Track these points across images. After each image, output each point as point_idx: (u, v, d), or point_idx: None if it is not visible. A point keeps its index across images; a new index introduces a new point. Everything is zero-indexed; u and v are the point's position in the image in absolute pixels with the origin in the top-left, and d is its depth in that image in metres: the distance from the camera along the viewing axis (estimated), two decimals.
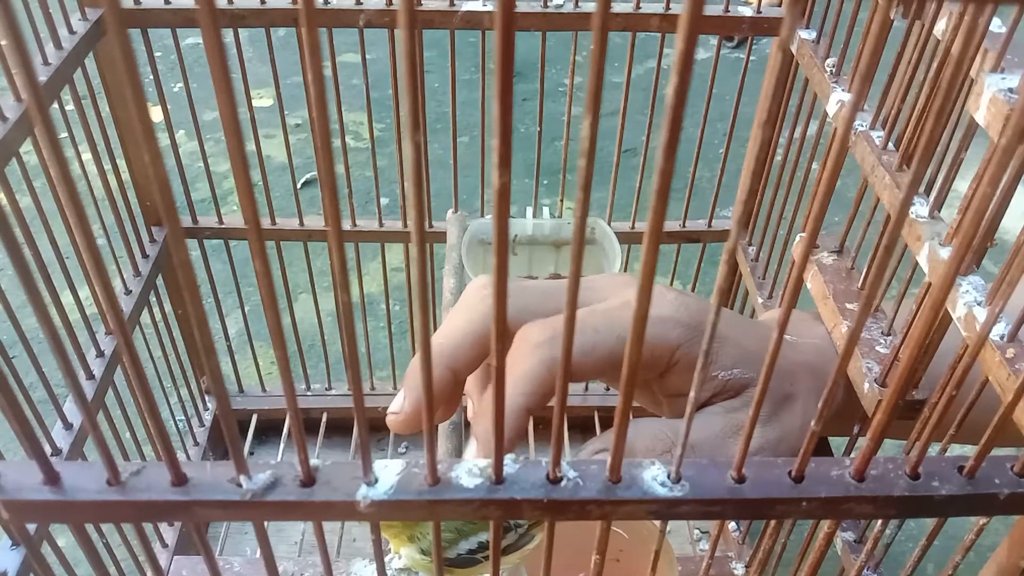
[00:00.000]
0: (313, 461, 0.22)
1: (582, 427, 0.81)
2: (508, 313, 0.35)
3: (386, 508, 0.22)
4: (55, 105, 0.52)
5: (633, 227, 0.69)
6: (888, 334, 0.41)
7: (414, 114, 0.15)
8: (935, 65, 0.36)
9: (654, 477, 0.22)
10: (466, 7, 0.54)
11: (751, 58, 0.62)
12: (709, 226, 0.69)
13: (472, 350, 0.34)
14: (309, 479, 0.22)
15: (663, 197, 0.16)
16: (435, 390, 0.33)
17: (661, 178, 0.16)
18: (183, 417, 0.76)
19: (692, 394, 0.21)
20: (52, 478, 0.22)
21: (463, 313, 0.35)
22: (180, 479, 0.22)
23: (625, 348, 0.33)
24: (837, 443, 0.61)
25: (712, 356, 0.36)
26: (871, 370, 0.39)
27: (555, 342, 0.32)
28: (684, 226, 0.69)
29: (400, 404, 0.34)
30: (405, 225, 0.69)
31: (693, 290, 0.76)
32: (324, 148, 0.15)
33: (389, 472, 0.22)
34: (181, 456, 0.61)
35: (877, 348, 0.40)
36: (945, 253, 0.32)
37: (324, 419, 0.80)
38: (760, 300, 0.61)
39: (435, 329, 0.36)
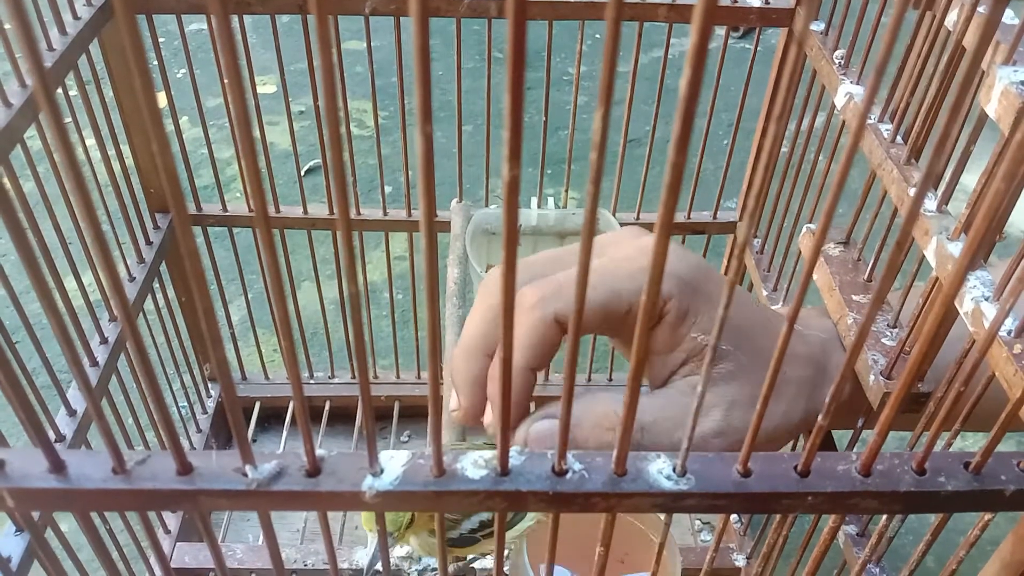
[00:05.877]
0: (319, 451, 0.22)
1: None
2: (519, 287, 0.36)
3: (391, 499, 0.22)
4: (59, 90, 0.52)
5: (638, 218, 0.69)
6: (894, 326, 0.41)
7: (425, 105, 0.15)
8: (946, 57, 0.36)
9: (660, 470, 0.22)
10: None
11: (758, 48, 0.61)
12: (714, 218, 0.69)
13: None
14: (315, 469, 0.22)
15: (674, 189, 0.16)
16: (479, 380, 0.36)
17: (672, 170, 0.16)
18: (186, 403, 0.76)
19: (700, 388, 0.21)
20: (57, 466, 0.22)
21: (484, 304, 0.37)
22: (185, 468, 0.22)
23: (617, 302, 0.34)
24: (838, 433, 0.61)
25: (694, 314, 0.35)
26: (876, 362, 0.39)
27: (546, 302, 0.35)
28: (689, 217, 0.69)
29: (456, 402, 0.37)
30: (409, 214, 0.69)
31: None
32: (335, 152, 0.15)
33: (395, 463, 0.22)
34: (184, 443, 0.61)
35: (883, 340, 0.40)
36: (953, 248, 0.32)
37: (327, 407, 0.80)
38: (765, 292, 0.61)
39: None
